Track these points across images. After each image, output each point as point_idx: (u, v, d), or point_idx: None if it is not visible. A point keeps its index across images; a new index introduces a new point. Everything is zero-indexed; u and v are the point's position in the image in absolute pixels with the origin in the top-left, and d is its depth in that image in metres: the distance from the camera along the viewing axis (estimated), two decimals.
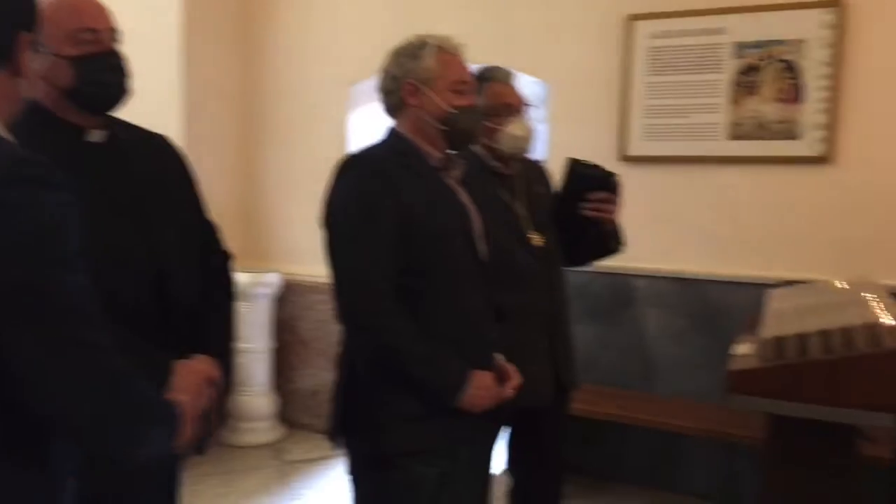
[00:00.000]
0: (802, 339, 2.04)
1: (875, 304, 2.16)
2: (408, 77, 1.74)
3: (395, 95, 1.78)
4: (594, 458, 3.57)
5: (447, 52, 1.76)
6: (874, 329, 1.95)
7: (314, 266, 4.16)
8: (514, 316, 2.00)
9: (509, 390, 1.77)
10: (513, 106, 2.21)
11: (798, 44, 3.09)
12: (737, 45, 3.20)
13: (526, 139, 2.22)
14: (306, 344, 4.19)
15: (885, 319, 1.95)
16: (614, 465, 3.59)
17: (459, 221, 1.78)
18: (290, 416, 4.24)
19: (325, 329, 4.09)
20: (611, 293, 3.48)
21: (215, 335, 1.58)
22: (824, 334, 2.02)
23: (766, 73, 3.17)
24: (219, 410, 1.52)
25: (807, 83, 3.09)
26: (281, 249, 4.26)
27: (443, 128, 1.76)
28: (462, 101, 1.76)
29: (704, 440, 3.34)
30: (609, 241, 2.35)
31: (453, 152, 1.84)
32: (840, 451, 2.20)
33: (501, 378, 1.77)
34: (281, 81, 4.19)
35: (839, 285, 2.66)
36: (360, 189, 1.68)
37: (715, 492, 3.38)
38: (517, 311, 2.07)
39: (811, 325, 2.08)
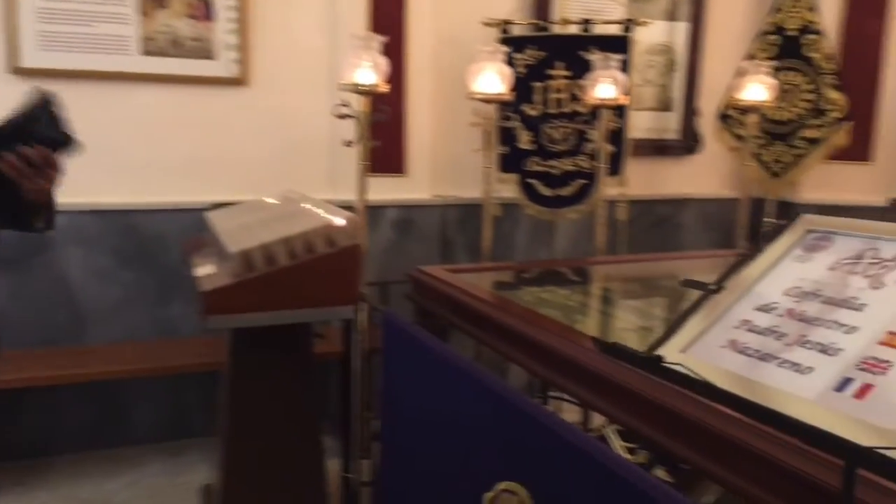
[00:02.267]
0: (267, 249, 2.05)
1: (320, 210, 2.31)
2: None
3: None
4: (22, 436, 2.98)
5: None
6: (329, 231, 2.09)
7: None
8: None
9: None
10: None
11: None
12: None
13: None
14: None
15: (337, 221, 2.10)
16: (48, 437, 3.06)
17: None
18: None
19: None
20: (17, 237, 2.86)
21: None
22: (287, 242, 2.06)
23: None
24: None
25: (216, 1, 3.05)
26: None
27: None
28: None
29: (150, 381, 3.14)
30: (30, 215, 1.70)
31: None
32: (300, 352, 2.33)
33: None
34: None
35: (272, 201, 2.78)
36: None
37: (167, 431, 3.23)
38: None
39: (270, 235, 2.10)
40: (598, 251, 3.17)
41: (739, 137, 3.74)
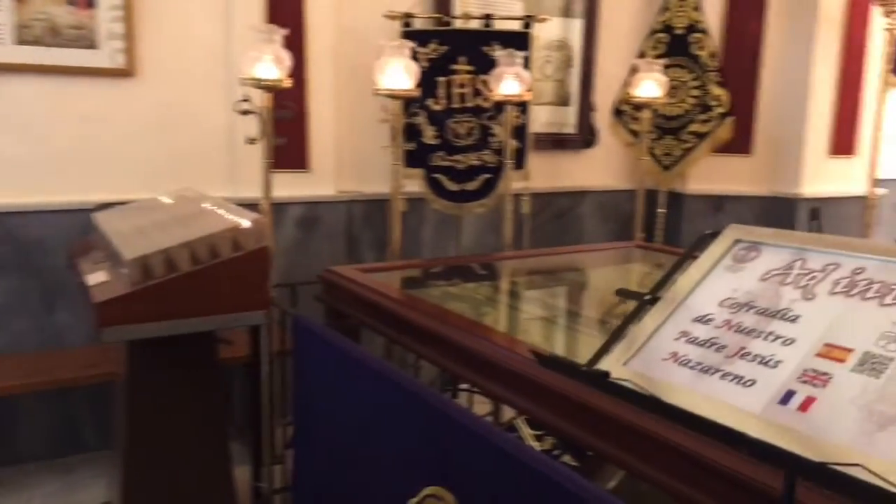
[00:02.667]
0: (167, 254, 1.94)
1: (223, 211, 2.21)
2: None
3: None
4: None
5: None
6: (235, 233, 2.00)
7: None
8: None
9: None
10: None
11: None
12: None
13: None
14: None
15: (243, 223, 2.02)
16: None
17: None
18: None
19: None
20: None
21: None
22: (189, 246, 1.96)
23: None
24: None
25: None
26: None
27: None
28: None
29: (37, 395, 2.91)
30: None
31: None
32: (204, 361, 2.23)
33: None
34: None
35: (167, 200, 2.63)
36: None
37: (57, 448, 3.02)
38: None
39: (169, 240, 1.99)
40: (506, 245, 3.21)
41: (633, 132, 3.88)
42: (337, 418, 1.94)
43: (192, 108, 3.06)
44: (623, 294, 0.91)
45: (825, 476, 0.56)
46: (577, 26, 4.06)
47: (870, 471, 0.53)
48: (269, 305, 2.09)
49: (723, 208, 4.27)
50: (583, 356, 2.06)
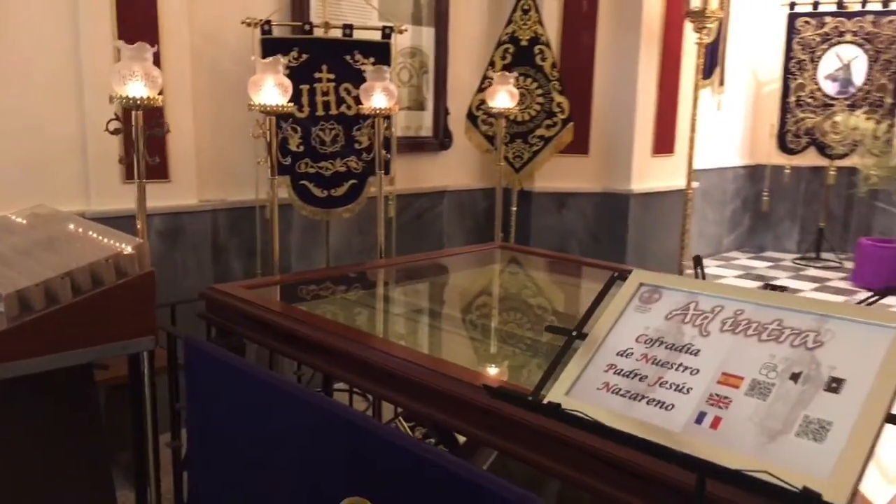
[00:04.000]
0: (48, 286, 1.87)
1: (95, 233, 2.14)
2: None
3: None
4: None
5: None
6: (118, 260, 1.96)
7: None
8: None
9: None
10: None
11: None
12: None
13: None
14: None
15: (126, 248, 1.98)
16: None
17: None
18: None
19: None
20: None
21: None
22: (70, 276, 1.90)
23: None
24: None
25: None
26: None
27: None
28: None
29: None
30: None
31: None
32: (80, 390, 2.16)
33: None
34: None
35: (20, 220, 2.48)
36: None
37: None
38: None
39: (46, 270, 1.92)
40: (380, 247, 3.32)
41: (487, 136, 4.13)
42: (238, 438, 1.97)
43: (37, 117, 2.86)
44: (552, 330, 1.06)
45: (737, 480, 0.75)
46: (429, 34, 4.22)
47: (771, 475, 0.72)
48: (155, 331, 2.06)
49: (566, 205, 4.65)
50: (470, 358, 2.24)
